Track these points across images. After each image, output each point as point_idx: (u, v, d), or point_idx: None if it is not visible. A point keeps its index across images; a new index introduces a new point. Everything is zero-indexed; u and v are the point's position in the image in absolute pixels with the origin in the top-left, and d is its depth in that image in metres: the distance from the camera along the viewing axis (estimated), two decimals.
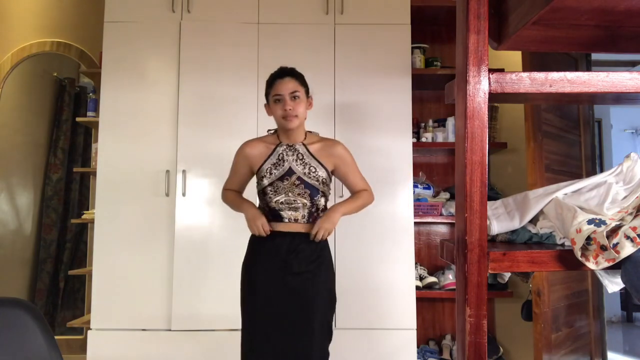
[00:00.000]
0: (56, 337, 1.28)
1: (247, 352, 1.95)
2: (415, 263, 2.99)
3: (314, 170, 1.96)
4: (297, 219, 1.94)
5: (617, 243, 0.91)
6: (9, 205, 3.73)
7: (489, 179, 3.26)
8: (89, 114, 3.31)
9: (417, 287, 2.89)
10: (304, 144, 1.99)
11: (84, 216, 3.27)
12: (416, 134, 3.14)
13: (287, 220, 1.95)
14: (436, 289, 3.02)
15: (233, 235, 2.73)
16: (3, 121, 3.61)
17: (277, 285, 1.91)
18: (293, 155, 1.96)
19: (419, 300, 2.87)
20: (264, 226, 1.91)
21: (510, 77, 1.02)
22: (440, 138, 3.13)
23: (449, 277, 3.00)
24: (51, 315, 3.65)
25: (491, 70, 1.02)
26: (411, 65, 2.85)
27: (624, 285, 0.98)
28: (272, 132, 2.07)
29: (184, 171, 2.74)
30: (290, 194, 1.93)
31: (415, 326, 2.71)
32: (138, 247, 2.71)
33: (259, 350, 1.91)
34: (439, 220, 3.10)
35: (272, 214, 1.96)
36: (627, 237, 0.91)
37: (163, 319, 2.69)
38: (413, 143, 2.88)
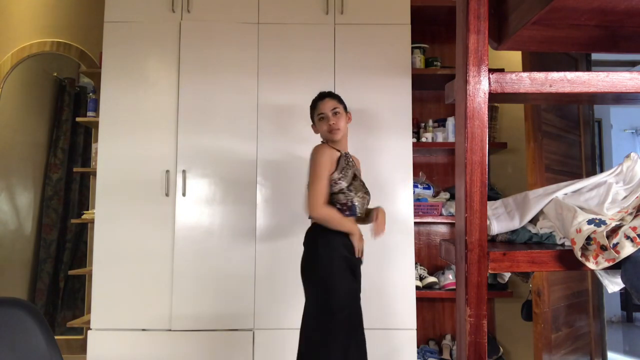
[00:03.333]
0: (56, 337, 1.29)
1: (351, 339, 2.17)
2: (415, 263, 2.99)
3: (359, 172, 2.30)
4: (361, 214, 2.27)
5: (617, 243, 0.91)
6: (9, 205, 3.73)
7: (489, 179, 3.27)
8: (89, 114, 3.31)
9: (417, 287, 2.89)
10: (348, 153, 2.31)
11: (84, 216, 3.27)
12: (416, 134, 3.14)
13: (359, 215, 2.24)
14: (436, 289, 3.02)
15: (233, 235, 2.73)
16: (3, 121, 3.61)
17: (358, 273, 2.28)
18: (351, 161, 2.27)
19: (419, 300, 2.87)
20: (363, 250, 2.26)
21: (510, 77, 1.02)
22: (440, 138, 3.13)
23: (449, 277, 3.00)
24: (51, 315, 3.64)
25: (491, 70, 1.02)
26: (411, 65, 2.85)
27: (624, 285, 0.98)
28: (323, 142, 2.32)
29: (184, 171, 2.74)
30: (360, 192, 2.22)
31: (415, 326, 2.71)
32: (138, 247, 2.71)
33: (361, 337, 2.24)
34: (439, 220, 3.10)
35: (348, 210, 2.19)
36: (627, 237, 0.91)
37: (163, 319, 2.69)
38: (413, 143, 2.88)
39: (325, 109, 2.26)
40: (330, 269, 2.13)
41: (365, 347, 2.23)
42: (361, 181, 2.26)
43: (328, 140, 2.27)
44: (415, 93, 2.91)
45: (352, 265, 2.20)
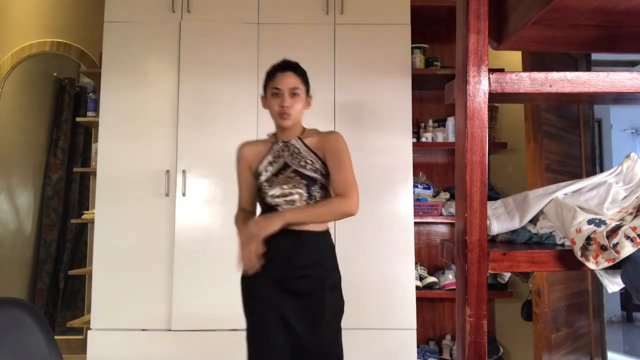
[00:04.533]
0: (56, 337, 1.28)
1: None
2: (415, 263, 2.99)
3: (310, 162, 1.87)
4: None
5: (617, 243, 0.91)
6: (9, 205, 3.73)
7: (489, 179, 3.26)
8: (89, 114, 3.32)
9: (417, 287, 2.89)
10: (299, 138, 1.91)
11: (84, 216, 3.27)
12: (416, 134, 3.14)
13: None
14: (436, 289, 3.02)
15: (233, 235, 2.72)
16: (3, 121, 3.61)
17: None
18: (289, 150, 1.89)
19: (419, 300, 2.87)
20: (251, 257, 1.73)
21: (510, 77, 1.02)
22: (440, 138, 3.13)
23: (449, 277, 3.00)
24: (51, 315, 3.65)
25: (491, 70, 1.02)
26: (411, 65, 2.85)
27: (624, 285, 0.98)
28: (271, 134, 2.02)
29: (184, 171, 2.74)
30: (285, 186, 1.84)
31: (415, 326, 2.71)
32: (138, 247, 2.71)
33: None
34: (439, 220, 3.10)
35: (269, 210, 1.87)
36: (627, 237, 0.91)
37: (163, 319, 2.69)
38: (413, 143, 2.88)
39: (283, 84, 1.85)
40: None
41: None
42: (296, 171, 1.85)
43: (275, 123, 1.92)
44: (415, 93, 2.91)
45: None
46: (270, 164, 1.89)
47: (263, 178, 1.88)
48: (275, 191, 1.85)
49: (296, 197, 1.83)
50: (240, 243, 1.80)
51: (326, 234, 1.92)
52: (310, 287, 1.82)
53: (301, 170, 1.85)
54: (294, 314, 1.80)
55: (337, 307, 1.87)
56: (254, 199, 1.99)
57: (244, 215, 1.97)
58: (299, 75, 1.89)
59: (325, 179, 1.89)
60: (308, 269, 1.83)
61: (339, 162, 1.85)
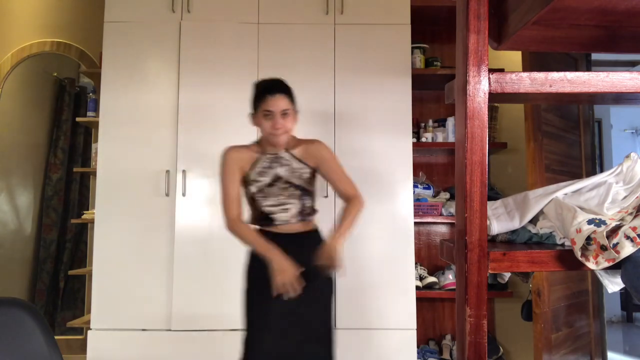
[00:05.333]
0: (56, 337, 1.28)
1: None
2: (415, 263, 2.99)
3: (299, 172, 1.97)
4: (289, 221, 1.96)
5: (617, 243, 0.91)
6: (9, 205, 3.73)
7: (489, 179, 3.26)
8: (89, 114, 3.32)
9: (417, 287, 2.89)
10: (286, 150, 1.99)
11: (84, 216, 3.27)
12: (416, 134, 3.14)
13: (278, 223, 1.95)
14: (436, 289, 3.02)
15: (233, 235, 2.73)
16: (3, 121, 3.61)
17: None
18: (279, 163, 1.97)
19: (419, 300, 2.87)
20: (293, 284, 1.82)
21: (510, 77, 1.02)
22: (440, 138, 3.13)
23: (449, 277, 3.00)
24: (51, 315, 3.65)
25: (491, 70, 1.02)
26: (411, 65, 2.85)
27: (624, 285, 0.98)
28: (255, 143, 2.06)
29: (184, 171, 2.74)
30: (280, 197, 1.94)
31: (415, 326, 2.71)
32: (138, 247, 2.71)
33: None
34: (439, 220, 3.10)
35: (264, 218, 1.97)
36: (627, 237, 0.91)
37: (163, 319, 2.69)
38: (413, 143, 2.88)
39: (274, 107, 1.90)
40: None
41: None
42: (289, 182, 1.94)
43: (266, 139, 1.98)
44: (415, 93, 2.91)
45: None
46: (261, 174, 1.95)
47: (254, 188, 1.95)
48: (271, 201, 1.94)
49: (290, 206, 1.94)
50: (280, 270, 1.82)
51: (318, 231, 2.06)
52: (317, 274, 1.91)
53: (294, 181, 1.96)
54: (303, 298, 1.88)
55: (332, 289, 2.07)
56: (241, 204, 2.01)
57: (246, 226, 1.98)
58: (288, 96, 1.95)
59: (311, 187, 2.02)
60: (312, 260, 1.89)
61: (336, 168, 2.02)
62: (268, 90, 1.94)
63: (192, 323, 2.68)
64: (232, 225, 1.97)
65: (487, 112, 1.01)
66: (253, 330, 1.95)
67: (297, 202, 1.95)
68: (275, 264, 1.82)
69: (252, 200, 1.98)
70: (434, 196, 3.12)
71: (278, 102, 1.91)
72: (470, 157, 1.00)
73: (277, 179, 1.95)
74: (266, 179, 1.95)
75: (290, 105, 1.95)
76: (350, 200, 1.99)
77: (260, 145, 2.02)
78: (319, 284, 1.94)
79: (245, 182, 1.98)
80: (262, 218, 1.97)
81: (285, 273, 1.81)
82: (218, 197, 2.75)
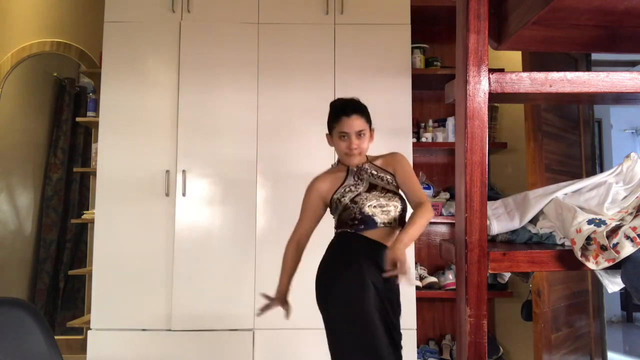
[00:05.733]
0: (56, 337, 1.28)
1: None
2: (415, 263, 2.99)
3: (385, 179, 1.99)
4: (390, 223, 1.94)
5: (617, 243, 0.91)
6: (9, 205, 3.73)
7: (489, 179, 3.26)
8: (89, 114, 3.31)
9: (417, 287, 2.89)
10: (369, 163, 2.02)
11: (84, 216, 3.27)
12: (416, 134, 3.14)
13: (380, 224, 1.92)
14: (436, 289, 3.02)
15: (233, 235, 2.73)
16: (3, 121, 3.61)
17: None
18: (367, 173, 1.99)
19: (419, 300, 2.86)
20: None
21: (510, 77, 1.02)
22: (440, 138, 3.13)
23: (449, 277, 3.00)
24: (51, 315, 3.65)
25: (491, 70, 1.02)
26: (411, 65, 2.85)
27: (624, 285, 0.98)
28: (335, 164, 2.10)
29: (184, 171, 2.74)
30: (381, 199, 1.93)
31: (415, 326, 2.70)
32: (138, 247, 2.71)
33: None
34: (439, 220, 3.10)
35: (360, 221, 1.92)
36: (627, 237, 0.91)
37: (163, 319, 2.69)
38: (413, 143, 2.88)
39: (350, 128, 1.92)
40: None
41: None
42: (385, 189, 1.96)
43: (342, 159, 2.01)
44: (415, 93, 2.91)
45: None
46: (355, 185, 1.96)
47: (347, 198, 1.94)
48: (373, 202, 1.93)
49: (392, 208, 1.95)
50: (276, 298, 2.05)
51: None
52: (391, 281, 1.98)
53: (387, 187, 1.98)
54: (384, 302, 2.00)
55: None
56: (313, 229, 2.06)
57: (293, 254, 2.05)
58: (363, 116, 1.95)
59: (400, 192, 2.03)
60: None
61: (411, 175, 2.01)
62: (343, 111, 1.94)
63: (192, 323, 2.68)
64: (288, 243, 2.05)
65: (487, 112, 1.01)
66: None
67: (398, 205, 1.96)
68: (272, 306, 2.04)
69: (353, 203, 1.93)
70: (434, 196, 3.12)
71: (353, 123, 1.92)
72: (470, 157, 1.00)
73: (372, 187, 1.96)
74: (360, 188, 1.95)
75: (366, 125, 1.95)
76: (419, 207, 1.94)
77: (341, 164, 2.04)
78: (395, 296, 2.02)
79: (334, 200, 1.97)
80: (360, 221, 1.92)
81: (277, 303, 2.04)
82: (218, 197, 2.77)
